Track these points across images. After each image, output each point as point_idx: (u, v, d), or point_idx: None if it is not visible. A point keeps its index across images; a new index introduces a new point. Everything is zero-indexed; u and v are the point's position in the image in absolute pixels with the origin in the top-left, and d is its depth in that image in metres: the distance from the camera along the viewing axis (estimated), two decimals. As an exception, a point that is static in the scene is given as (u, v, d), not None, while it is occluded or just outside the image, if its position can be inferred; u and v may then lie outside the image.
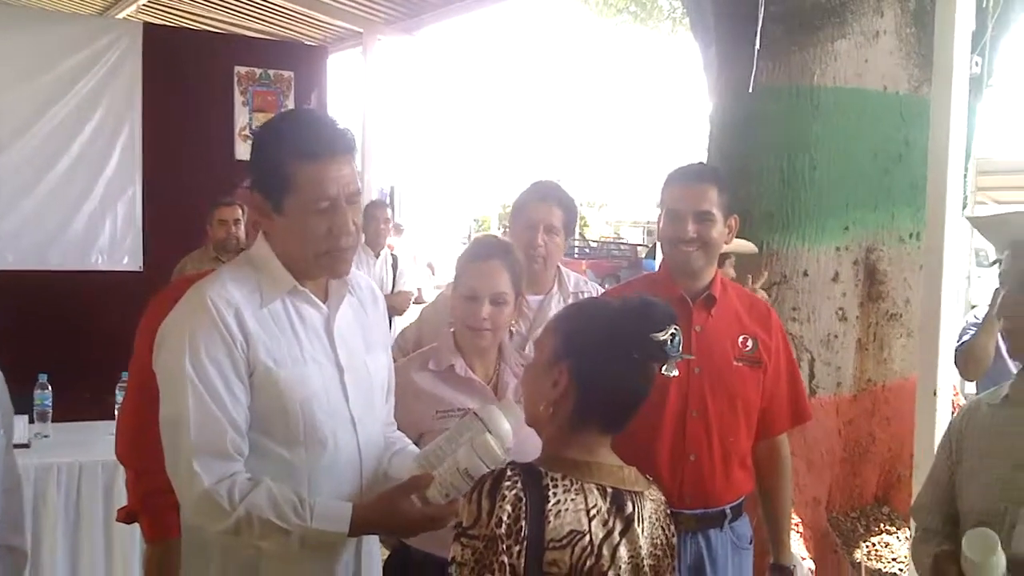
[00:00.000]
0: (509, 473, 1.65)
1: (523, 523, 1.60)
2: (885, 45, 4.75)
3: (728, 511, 2.62)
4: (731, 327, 2.65)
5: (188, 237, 5.36)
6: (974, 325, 4.00)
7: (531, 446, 1.84)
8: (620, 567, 1.67)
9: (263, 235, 2.04)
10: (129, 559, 3.86)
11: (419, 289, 7.17)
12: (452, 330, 2.58)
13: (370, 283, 2.29)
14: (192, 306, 1.93)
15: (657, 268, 2.90)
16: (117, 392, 4.01)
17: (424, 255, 19.19)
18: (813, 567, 4.04)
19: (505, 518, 1.59)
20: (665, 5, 13.08)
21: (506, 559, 1.58)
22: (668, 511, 1.84)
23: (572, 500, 1.66)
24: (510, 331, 2.69)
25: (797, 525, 4.07)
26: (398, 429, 2.32)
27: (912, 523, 2.22)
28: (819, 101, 4.69)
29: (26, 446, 3.86)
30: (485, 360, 2.55)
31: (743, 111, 4.87)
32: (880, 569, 4.34)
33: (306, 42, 8.78)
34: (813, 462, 4.47)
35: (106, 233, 6.19)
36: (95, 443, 3.94)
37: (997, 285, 2.09)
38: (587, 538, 1.64)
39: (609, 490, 1.71)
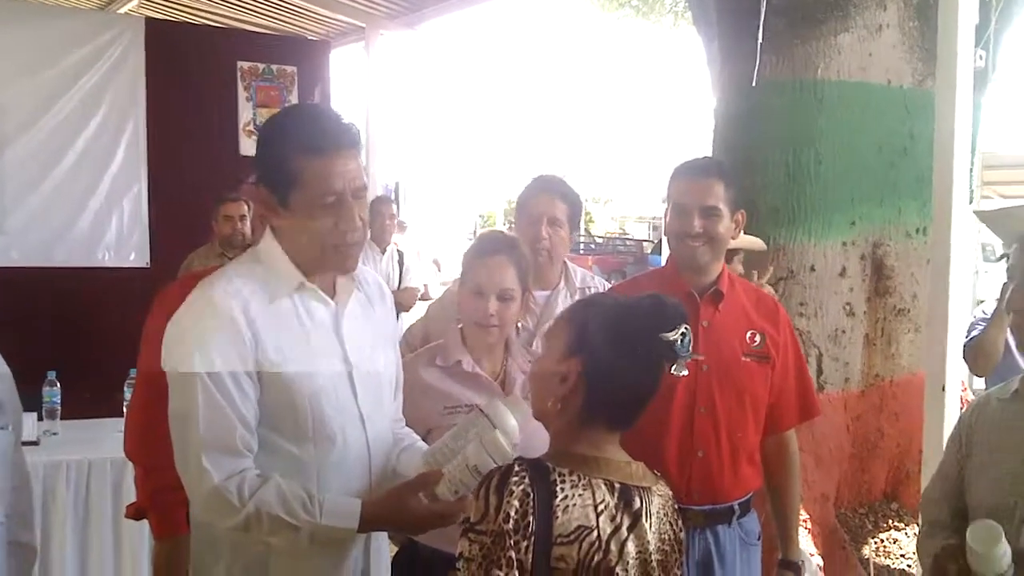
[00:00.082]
0: (517, 468, 1.65)
1: (531, 518, 1.60)
2: (888, 39, 4.74)
3: (736, 507, 2.61)
4: (739, 323, 2.64)
5: (194, 233, 5.36)
6: (983, 320, 3.98)
7: (539, 441, 1.84)
8: (628, 562, 1.67)
9: (270, 231, 2.04)
10: (138, 556, 3.87)
11: (425, 285, 7.16)
12: (459, 326, 2.58)
13: (377, 279, 2.29)
14: (201, 302, 1.94)
15: (664, 263, 2.89)
16: (125, 389, 4.01)
17: (430, 251, 19.18)
18: (821, 563, 4.03)
19: (513, 513, 1.59)
20: (667, -1, 13.08)
21: (513, 554, 1.58)
22: (676, 507, 1.84)
23: (580, 495, 1.65)
24: (517, 327, 2.68)
25: (805, 521, 4.06)
26: (406, 425, 2.33)
27: (920, 518, 2.22)
28: (823, 95, 4.68)
29: (35, 443, 3.86)
30: (492, 356, 2.55)
31: (747, 105, 4.86)
32: (888, 565, 4.33)
33: (309, 37, 8.77)
34: (821, 458, 4.46)
35: (112, 229, 6.21)
36: (104, 440, 3.95)
37: (1005, 280, 2.09)
38: (595, 533, 1.64)
39: (617, 485, 1.71)
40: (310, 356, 1.98)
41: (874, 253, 4.74)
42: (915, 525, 4.48)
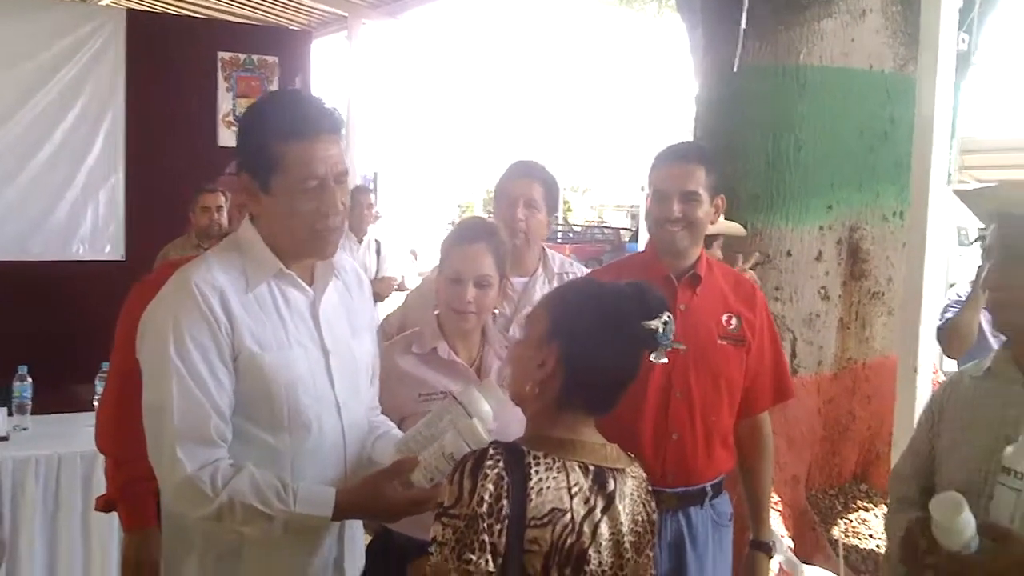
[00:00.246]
0: (491, 452, 1.64)
1: (504, 502, 1.59)
2: (871, 24, 4.75)
3: (709, 489, 2.63)
4: (716, 306, 2.65)
5: (171, 225, 5.33)
6: (957, 303, 4.00)
7: (515, 426, 1.84)
8: (601, 544, 1.67)
9: (249, 218, 2.03)
10: (107, 549, 3.85)
11: (402, 276, 7.14)
12: (436, 313, 2.58)
13: (355, 267, 2.28)
14: (176, 291, 1.92)
15: (643, 248, 2.89)
16: (97, 382, 3.98)
17: (407, 242, 19.13)
18: (792, 545, 4.06)
19: (487, 497, 1.58)
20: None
21: (487, 538, 1.57)
22: (649, 488, 1.84)
23: (554, 478, 1.65)
24: (494, 313, 2.68)
25: (776, 503, 4.09)
26: (381, 413, 2.32)
27: (889, 496, 2.23)
28: (805, 80, 4.69)
29: (4, 439, 3.84)
30: (468, 343, 2.55)
31: (729, 91, 4.87)
32: (858, 546, 4.37)
33: (290, 27, 8.74)
34: (793, 440, 4.49)
35: (88, 222, 6.17)
36: (74, 435, 3.91)
37: (980, 262, 2.09)
38: (568, 516, 1.64)
39: (591, 468, 1.71)
40: (287, 344, 1.97)
41: (850, 237, 4.76)
42: (884, 506, 4.51)
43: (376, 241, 6.74)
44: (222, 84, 6.60)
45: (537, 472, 1.64)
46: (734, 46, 4.65)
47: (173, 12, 8.85)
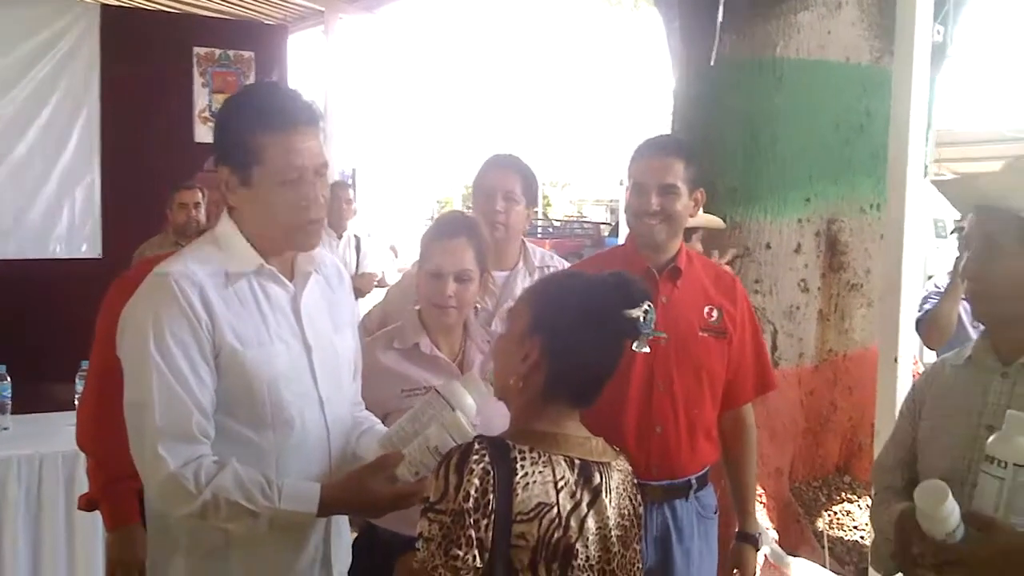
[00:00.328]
0: (477, 447, 1.64)
1: (491, 497, 1.59)
2: (847, 16, 4.77)
3: (693, 481, 2.64)
4: (697, 298, 2.66)
5: (148, 223, 5.27)
6: (936, 294, 4.03)
7: (499, 420, 1.84)
8: (588, 538, 1.67)
9: (228, 213, 2.02)
10: (91, 548, 3.82)
11: (383, 272, 7.11)
12: (417, 308, 2.57)
13: (335, 261, 2.27)
14: (156, 287, 1.91)
15: (624, 241, 2.90)
16: (77, 381, 3.95)
17: (387, 237, 19.05)
18: (776, 537, 4.08)
19: (473, 492, 1.58)
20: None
21: (473, 533, 1.57)
22: (635, 481, 1.85)
23: (540, 473, 1.65)
24: (476, 308, 2.68)
25: (760, 496, 4.10)
26: (364, 408, 2.31)
27: (873, 488, 2.24)
28: (782, 73, 4.70)
29: (-15, 439, 3.81)
30: (450, 337, 2.55)
31: (706, 84, 4.87)
32: (842, 537, 4.39)
33: (266, 21, 8.65)
34: (776, 433, 4.50)
35: (64, 220, 6.10)
36: (55, 434, 3.88)
37: (958, 252, 2.10)
38: (555, 510, 1.64)
39: (577, 462, 1.71)
40: (268, 340, 1.96)
41: (828, 229, 4.78)
42: (867, 497, 4.53)
43: (356, 237, 6.72)
44: (198, 79, 6.55)
45: (523, 466, 1.64)
46: (711, 40, 4.65)
47: (148, 7, 8.75)
